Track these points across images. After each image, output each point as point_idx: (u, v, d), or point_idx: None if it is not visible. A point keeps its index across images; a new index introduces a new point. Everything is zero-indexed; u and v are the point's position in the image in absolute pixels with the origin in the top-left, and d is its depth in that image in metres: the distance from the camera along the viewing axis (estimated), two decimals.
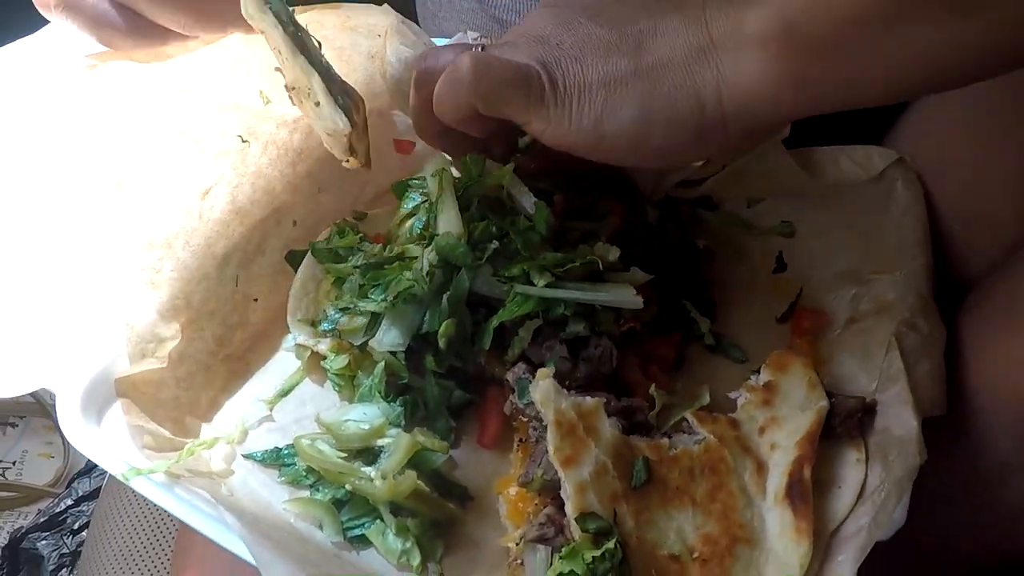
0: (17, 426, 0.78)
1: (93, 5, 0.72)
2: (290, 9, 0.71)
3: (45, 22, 0.79)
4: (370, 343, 0.74)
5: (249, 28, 0.68)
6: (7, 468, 0.77)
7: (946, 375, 0.73)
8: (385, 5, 0.90)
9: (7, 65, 0.84)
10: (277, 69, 0.71)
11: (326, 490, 0.71)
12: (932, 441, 0.68)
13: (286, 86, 0.70)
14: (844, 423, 0.72)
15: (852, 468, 0.71)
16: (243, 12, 0.66)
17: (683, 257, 0.82)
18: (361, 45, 0.87)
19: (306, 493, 0.72)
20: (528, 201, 0.75)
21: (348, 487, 0.70)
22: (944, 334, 0.75)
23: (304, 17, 0.86)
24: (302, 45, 0.70)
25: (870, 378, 0.75)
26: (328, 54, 0.84)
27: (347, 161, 0.70)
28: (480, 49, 0.71)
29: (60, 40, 0.76)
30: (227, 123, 0.82)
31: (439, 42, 0.89)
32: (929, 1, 0.57)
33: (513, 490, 0.72)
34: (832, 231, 0.84)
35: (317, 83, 0.67)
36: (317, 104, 0.67)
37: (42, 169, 0.78)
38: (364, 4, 0.90)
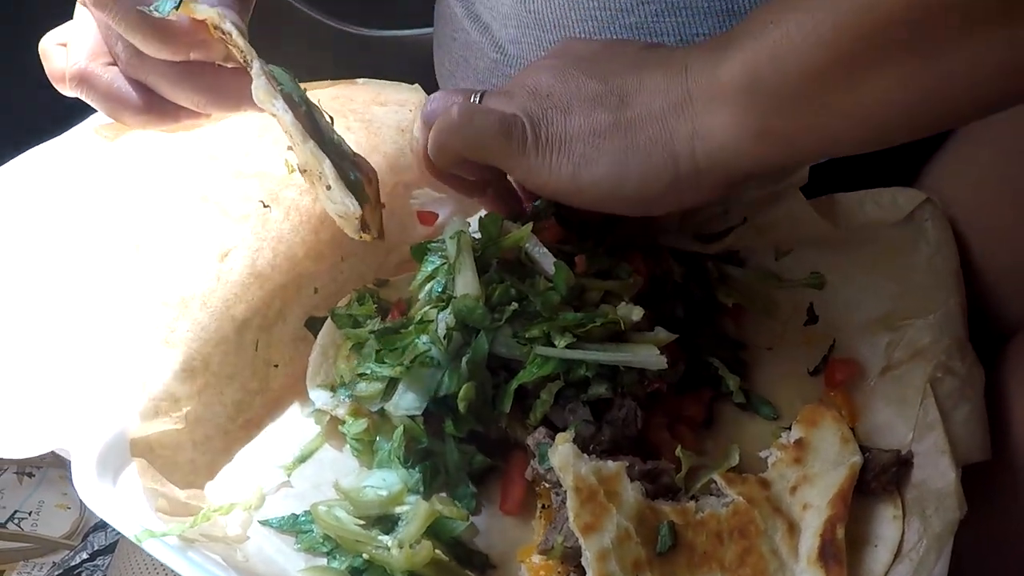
0: (34, 476, 0.78)
1: (108, 80, 0.72)
2: (301, 87, 0.73)
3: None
4: (387, 407, 0.72)
5: (262, 108, 0.69)
6: (23, 518, 0.76)
7: (987, 417, 0.70)
8: (416, 84, 0.91)
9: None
10: (289, 148, 0.71)
11: (343, 558, 0.69)
12: (974, 491, 0.66)
13: (299, 167, 0.71)
14: (878, 478, 0.70)
15: (888, 525, 0.69)
16: (254, 96, 0.67)
17: (709, 315, 0.80)
18: (390, 119, 0.88)
19: (323, 561, 0.70)
20: (548, 262, 0.74)
21: (365, 556, 0.68)
22: (982, 374, 0.73)
23: (335, 90, 0.88)
24: (313, 125, 0.71)
25: (907, 427, 0.72)
26: (358, 125, 0.85)
27: (360, 236, 0.71)
28: (479, 96, 0.74)
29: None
30: (249, 189, 0.82)
31: None
32: (887, 50, 0.57)
33: (536, 558, 0.69)
34: (862, 278, 0.81)
35: (328, 167, 0.67)
36: (328, 188, 0.68)
37: (60, 231, 0.78)
38: (396, 82, 0.91)
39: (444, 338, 0.72)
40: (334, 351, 0.79)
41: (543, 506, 0.72)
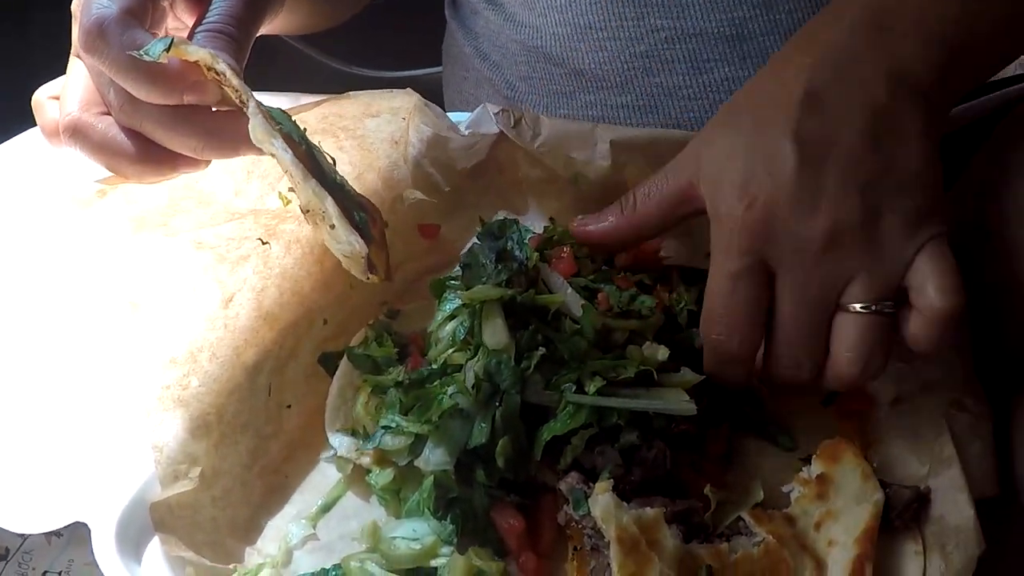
0: (62, 535, 0.76)
1: (102, 130, 0.68)
2: (302, 128, 0.69)
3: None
4: (416, 462, 0.71)
5: (261, 150, 0.66)
6: None
7: (995, 453, 0.72)
8: (408, 88, 0.86)
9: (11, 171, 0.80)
10: (291, 189, 0.68)
11: None
12: (991, 525, 0.68)
13: (300, 207, 0.67)
14: (901, 515, 0.72)
15: (911, 561, 0.71)
16: (251, 137, 0.63)
17: None
18: (383, 131, 0.83)
19: None
20: (575, 303, 0.73)
21: None
22: (991, 411, 0.74)
23: (324, 110, 0.83)
24: (315, 165, 0.68)
25: (921, 461, 0.74)
26: (349, 143, 0.81)
27: (368, 278, 0.68)
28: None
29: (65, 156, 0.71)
30: (246, 228, 0.78)
31: (457, 117, 0.86)
32: None
33: None
34: None
35: (331, 206, 0.64)
36: (332, 227, 0.65)
37: (56, 298, 0.75)
38: (387, 90, 0.86)
39: (473, 388, 0.70)
40: (352, 392, 0.77)
41: (575, 548, 0.72)
